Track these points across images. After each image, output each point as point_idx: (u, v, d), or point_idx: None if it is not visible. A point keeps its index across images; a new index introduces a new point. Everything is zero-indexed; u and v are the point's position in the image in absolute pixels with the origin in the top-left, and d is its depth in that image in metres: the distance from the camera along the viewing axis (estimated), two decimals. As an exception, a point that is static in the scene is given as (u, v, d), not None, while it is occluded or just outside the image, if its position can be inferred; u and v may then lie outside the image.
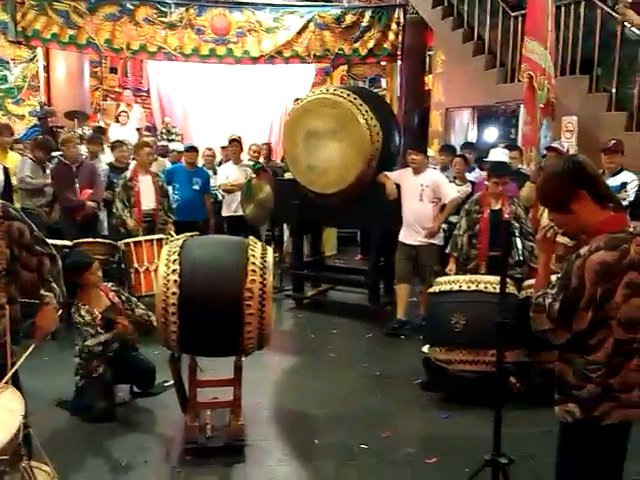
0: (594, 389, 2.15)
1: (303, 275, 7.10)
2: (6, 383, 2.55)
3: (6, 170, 6.68)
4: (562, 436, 2.32)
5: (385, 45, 11.38)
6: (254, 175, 7.67)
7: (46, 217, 6.55)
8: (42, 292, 2.84)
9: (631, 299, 2.10)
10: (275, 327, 4.37)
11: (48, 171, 6.69)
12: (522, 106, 6.26)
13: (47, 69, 10.85)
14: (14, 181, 6.70)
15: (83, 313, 4.23)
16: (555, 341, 2.20)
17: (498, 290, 3.11)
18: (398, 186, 6.07)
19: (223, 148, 8.79)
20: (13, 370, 2.61)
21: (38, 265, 2.83)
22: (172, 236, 5.90)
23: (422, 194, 5.91)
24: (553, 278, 2.30)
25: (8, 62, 10.63)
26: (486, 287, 4.27)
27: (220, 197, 8.01)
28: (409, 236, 5.98)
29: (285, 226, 8.14)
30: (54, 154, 7.06)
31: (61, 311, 2.99)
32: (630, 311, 2.11)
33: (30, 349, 2.72)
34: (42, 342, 2.93)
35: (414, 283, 6.18)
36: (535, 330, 2.24)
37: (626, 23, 6.53)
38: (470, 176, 6.99)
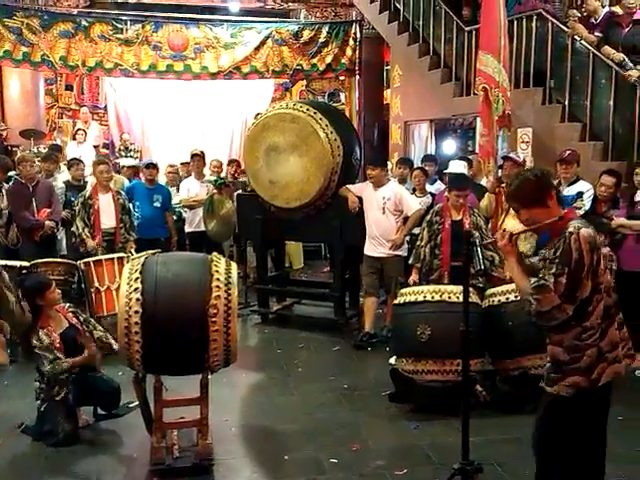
0: (592, 353, 2.50)
1: (268, 290, 7.06)
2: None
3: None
4: (555, 412, 2.60)
5: (343, 60, 11.50)
6: (216, 190, 7.63)
7: (3, 238, 6.38)
8: None
9: (605, 269, 2.57)
10: (241, 343, 4.34)
11: (4, 191, 6.52)
12: (478, 118, 6.38)
13: (0, 87, 10.62)
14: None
15: (42, 336, 4.12)
16: (560, 317, 2.48)
17: (461, 299, 3.15)
18: (360, 199, 6.12)
19: (183, 164, 8.71)
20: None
21: None
22: (133, 254, 5.81)
23: (384, 207, 5.96)
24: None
25: (-40, 81, 10.41)
26: (450, 297, 4.32)
27: (184, 214, 7.92)
28: (373, 249, 6.02)
29: (248, 241, 8.10)
30: (10, 173, 6.90)
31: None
32: (607, 279, 2.56)
33: None
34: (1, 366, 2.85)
35: (379, 295, 6.22)
36: (539, 313, 2.51)
37: (576, 37, 6.75)
38: (432, 188, 7.08)
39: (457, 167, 6.46)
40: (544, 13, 7.17)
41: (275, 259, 7.59)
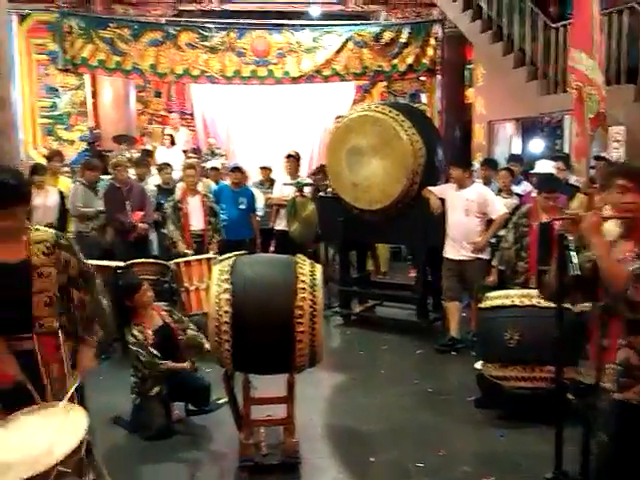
0: None
1: (350, 291, 7.10)
2: (72, 400, 2.64)
3: (61, 194, 6.91)
4: (623, 420, 2.48)
5: (424, 60, 11.37)
6: (298, 193, 7.74)
7: (99, 239, 6.73)
8: (81, 330, 2.90)
9: None
10: (324, 344, 4.38)
11: (100, 194, 6.88)
12: (569, 117, 6.17)
13: (94, 95, 11.18)
14: (67, 205, 6.91)
15: (136, 333, 4.33)
16: None
17: (552, 305, 3.06)
18: (443, 201, 6.05)
19: (263, 168, 8.82)
20: (71, 390, 2.68)
21: (79, 301, 2.88)
22: (215, 256, 5.99)
23: (467, 208, 5.87)
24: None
25: (57, 90, 11.04)
26: (540, 302, 4.20)
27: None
28: (454, 251, 5.94)
29: (330, 243, 8.17)
30: (104, 177, 7.26)
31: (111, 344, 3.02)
32: None
33: (77, 382, 2.77)
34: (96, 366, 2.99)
35: (462, 299, 6.12)
36: (633, 303, 2.38)
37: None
38: (517, 189, 6.91)
39: (545, 167, 6.27)
40: (637, 7, 6.84)
41: (358, 261, 7.61)
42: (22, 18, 10.71)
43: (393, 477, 3.68)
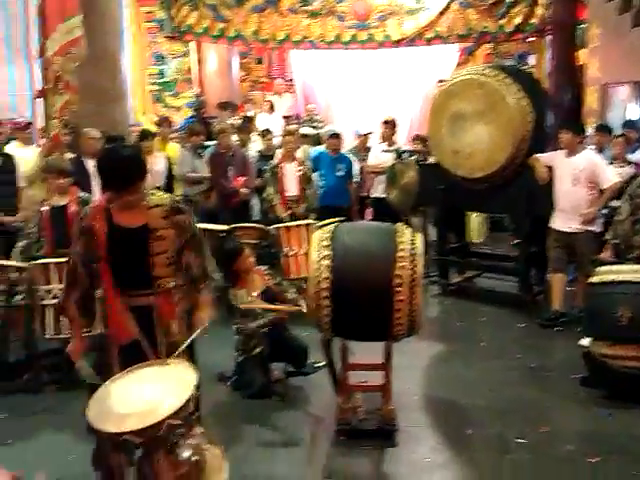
0: None
1: (449, 261, 6.98)
2: (183, 356, 2.78)
3: (168, 159, 7.17)
4: None
5: (533, 20, 10.76)
6: (398, 159, 7.64)
7: (204, 203, 6.95)
8: (195, 289, 3.04)
9: None
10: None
11: (205, 159, 7.07)
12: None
13: (199, 62, 11.44)
14: (175, 170, 7.17)
15: (242, 295, 4.46)
16: None
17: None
18: (551, 169, 5.77)
19: (361, 136, 8.73)
20: (182, 347, 2.82)
21: (192, 261, 3.03)
22: (314, 222, 6.05)
23: (575, 177, 5.57)
24: None
25: (164, 57, 11.39)
26: (656, 278, 3.96)
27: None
28: (562, 223, 5.66)
29: (427, 212, 8.03)
30: (209, 143, 7.46)
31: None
32: None
33: (194, 334, 2.92)
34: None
35: (568, 272, 5.86)
36: None
37: None
38: (633, 157, 6.47)
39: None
40: None
41: (457, 230, 7.45)
42: (132, -14, 11.07)
43: (492, 451, 3.61)
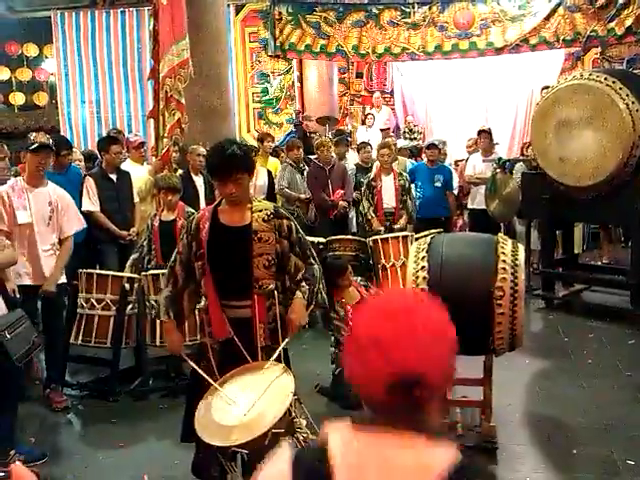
0: None
1: (554, 274, 6.71)
2: (278, 360, 2.85)
3: (269, 174, 7.38)
4: None
5: (646, 22, 10.20)
6: (499, 169, 7.45)
7: (303, 216, 7.09)
8: (293, 291, 3.09)
9: None
10: (524, 327, 4.19)
11: (305, 174, 7.22)
12: None
13: (300, 79, 11.74)
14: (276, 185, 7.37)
15: (338, 309, 4.52)
16: None
17: None
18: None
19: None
20: (277, 353, 2.89)
21: (295, 267, 3.08)
22: (411, 233, 6.02)
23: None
24: None
25: (269, 75, 11.76)
26: None
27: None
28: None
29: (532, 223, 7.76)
30: (310, 157, 7.61)
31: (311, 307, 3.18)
32: None
33: (287, 340, 2.98)
34: (300, 332, 3.17)
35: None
36: None
37: None
38: None
39: None
40: None
41: (563, 241, 7.15)
42: (238, 8, 11.54)
43: (599, 472, 3.43)
